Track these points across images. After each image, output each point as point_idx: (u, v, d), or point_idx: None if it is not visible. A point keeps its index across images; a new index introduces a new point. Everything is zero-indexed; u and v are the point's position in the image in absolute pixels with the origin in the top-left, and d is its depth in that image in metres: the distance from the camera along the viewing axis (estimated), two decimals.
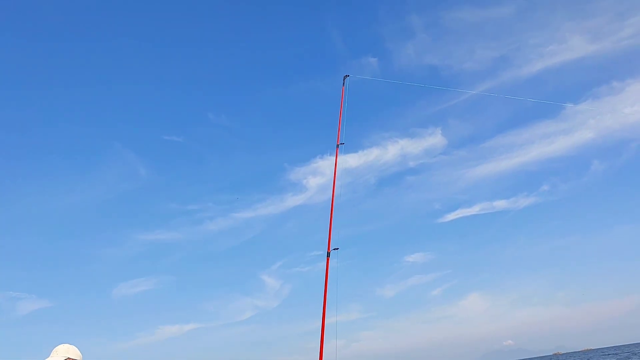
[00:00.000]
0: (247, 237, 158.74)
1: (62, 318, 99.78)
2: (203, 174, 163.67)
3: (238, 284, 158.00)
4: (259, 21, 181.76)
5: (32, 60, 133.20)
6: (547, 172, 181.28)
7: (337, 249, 10.31)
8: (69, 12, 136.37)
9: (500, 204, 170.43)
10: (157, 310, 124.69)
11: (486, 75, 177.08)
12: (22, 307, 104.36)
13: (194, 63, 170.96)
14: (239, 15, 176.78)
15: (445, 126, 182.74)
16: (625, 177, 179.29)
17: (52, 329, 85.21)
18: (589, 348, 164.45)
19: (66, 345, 4.62)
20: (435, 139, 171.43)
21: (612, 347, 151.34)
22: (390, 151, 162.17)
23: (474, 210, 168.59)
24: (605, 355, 70.98)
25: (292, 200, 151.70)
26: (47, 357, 4.54)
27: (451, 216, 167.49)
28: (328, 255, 10.18)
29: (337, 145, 11.69)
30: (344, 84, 12.35)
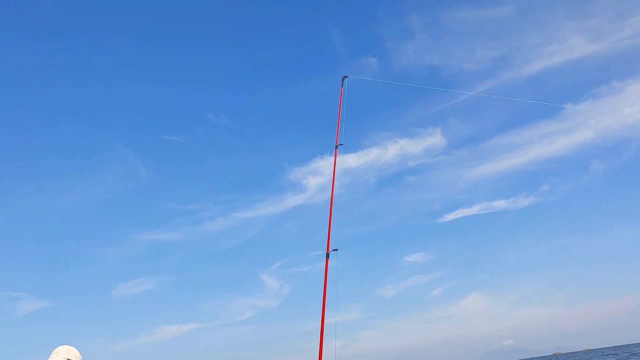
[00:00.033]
0: (247, 237, 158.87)
1: (62, 318, 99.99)
2: (203, 174, 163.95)
3: (238, 284, 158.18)
4: (259, 21, 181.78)
5: (32, 60, 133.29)
6: (547, 172, 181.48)
7: (337, 250, 10.33)
8: (69, 12, 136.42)
9: (500, 204, 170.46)
10: (157, 310, 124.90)
11: (486, 75, 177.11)
12: (22, 307, 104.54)
13: (193, 63, 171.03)
14: (239, 15, 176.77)
15: (445, 126, 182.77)
16: (625, 177, 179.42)
17: (52, 329, 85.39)
18: (588, 348, 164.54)
19: (66, 347, 4.62)
20: (435, 139, 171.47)
21: (611, 347, 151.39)
22: (390, 151, 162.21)
23: (474, 210, 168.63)
24: (605, 355, 71.01)
25: (292, 200, 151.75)
26: (46, 359, 4.55)
27: (451, 216, 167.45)
28: (327, 256, 10.20)
29: (336, 147, 11.71)
30: (342, 85, 12.36)
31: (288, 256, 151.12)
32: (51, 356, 4.55)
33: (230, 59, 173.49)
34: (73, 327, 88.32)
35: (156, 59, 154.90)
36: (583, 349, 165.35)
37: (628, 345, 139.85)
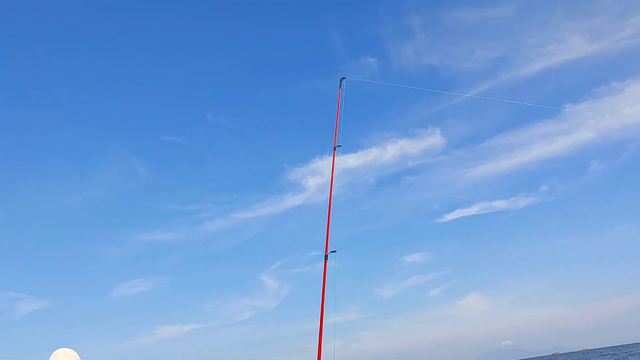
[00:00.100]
0: (247, 238, 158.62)
1: (61, 318, 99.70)
2: (202, 174, 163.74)
3: (237, 284, 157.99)
4: (258, 21, 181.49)
5: (32, 60, 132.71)
6: (547, 172, 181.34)
7: (335, 251, 10.36)
8: (69, 12, 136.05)
9: (500, 204, 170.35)
10: (156, 310, 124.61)
11: (486, 75, 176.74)
12: (21, 307, 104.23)
13: (193, 63, 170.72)
14: (239, 15, 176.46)
15: (445, 126, 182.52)
16: (625, 177, 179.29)
17: (51, 329, 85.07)
18: (587, 348, 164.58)
19: (65, 349, 4.64)
20: (434, 139, 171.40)
21: (610, 347, 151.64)
22: (389, 151, 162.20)
23: (473, 210, 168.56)
24: (604, 355, 71.20)
25: (292, 201, 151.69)
26: None
27: (450, 216, 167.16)
28: (326, 258, 10.22)
29: (334, 148, 11.74)
30: (340, 86, 12.38)
31: (287, 256, 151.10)
32: (50, 358, 4.56)
33: (230, 59, 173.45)
34: (72, 328, 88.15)
35: (156, 59, 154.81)
36: (582, 349, 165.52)
37: (626, 345, 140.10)
